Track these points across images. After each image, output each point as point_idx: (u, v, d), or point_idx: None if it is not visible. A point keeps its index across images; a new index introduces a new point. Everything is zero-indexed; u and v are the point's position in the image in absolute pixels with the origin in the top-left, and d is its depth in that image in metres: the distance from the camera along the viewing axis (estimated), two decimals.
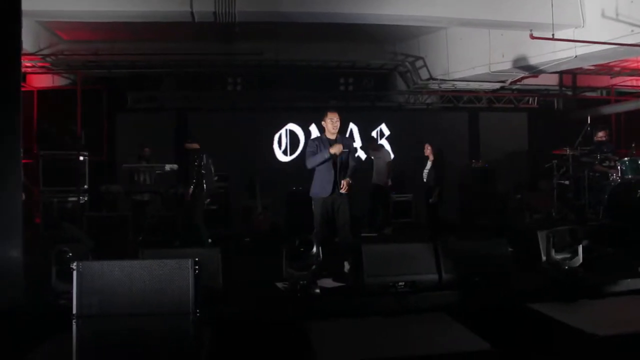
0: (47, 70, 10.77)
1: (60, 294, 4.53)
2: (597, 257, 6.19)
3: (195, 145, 7.85)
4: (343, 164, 6.14)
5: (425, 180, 8.71)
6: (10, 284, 4.22)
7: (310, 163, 6.16)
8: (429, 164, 8.60)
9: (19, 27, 4.50)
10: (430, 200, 8.43)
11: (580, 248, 5.50)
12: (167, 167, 9.21)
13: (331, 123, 6.15)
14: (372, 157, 10.30)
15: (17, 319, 4.16)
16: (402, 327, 4.43)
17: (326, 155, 6.01)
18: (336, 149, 5.99)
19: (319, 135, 6.65)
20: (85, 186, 9.93)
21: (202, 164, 7.83)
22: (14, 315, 4.14)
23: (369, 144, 10.79)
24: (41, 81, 10.94)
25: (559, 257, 5.44)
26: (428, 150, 8.66)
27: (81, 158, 9.77)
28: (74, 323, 3.29)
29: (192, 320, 3.33)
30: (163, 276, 3.37)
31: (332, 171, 6.08)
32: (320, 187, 6.16)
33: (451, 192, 11.48)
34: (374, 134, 12.08)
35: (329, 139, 6.19)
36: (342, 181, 6.05)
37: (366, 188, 9.88)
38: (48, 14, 7.73)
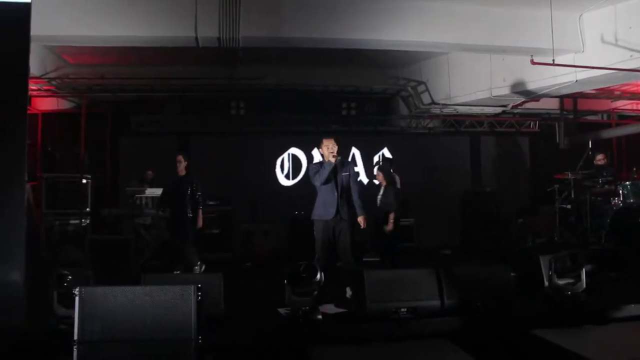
0: (53, 94, 10.86)
1: (61, 318, 4.51)
2: (601, 282, 6.15)
3: (182, 169, 7.82)
4: (345, 188, 6.19)
5: (378, 205, 8.65)
6: (11, 308, 4.21)
7: (317, 179, 6.21)
8: (382, 190, 8.53)
9: (27, 51, 4.56)
10: (386, 228, 8.27)
11: (583, 273, 5.48)
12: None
13: (327, 149, 6.20)
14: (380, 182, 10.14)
15: (18, 343, 4.14)
16: (404, 353, 4.40)
17: (327, 167, 6.12)
18: (331, 157, 6.11)
19: (320, 160, 6.74)
20: (88, 209, 9.96)
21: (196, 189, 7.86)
22: (16, 338, 4.13)
23: (383, 165, 10.54)
24: (46, 104, 11.02)
25: (562, 282, 5.42)
26: (380, 177, 8.63)
27: (84, 181, 9.82)
28: (74, 349, 3.28)
29: (195, 346, 3.32)
30: (166, 302, 3.37)
31: (335, 193, 6.14)
32: (323, 209, 6.20)
33: (453, 216, 11.54)
34: (376, 158, 12.11)
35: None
36: (359, 219, 6.22)
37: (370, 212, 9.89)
38: (55, 38, 7.82)
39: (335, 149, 6.19)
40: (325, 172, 6.12)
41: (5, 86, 4.43)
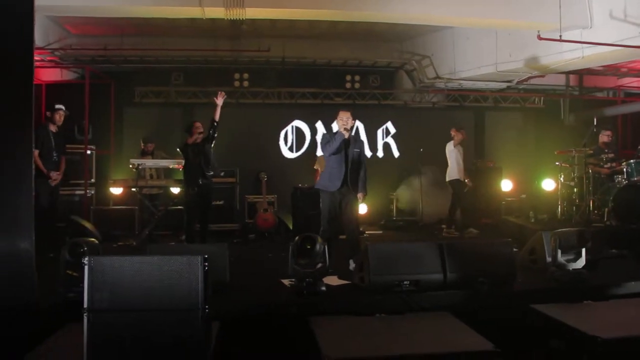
0: (56, 65, 10.82)
1: (70, 287, 4.59)
2: (602, 259, 6.20)
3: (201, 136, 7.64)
4: (354, 162, 6.22)
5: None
6: (22, 277, 4.26)
7: (327, 149, 6.27)
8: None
9: (31, 22, 4.53)
10: None
11: (584, 250, 5.53)
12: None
13: (342, 122, 6.25)
14: (451, 149, 9.92)
15: (27, 312, 4.21)
16: (406, 325, 4.46)
17: (339, 138, 6.14)
18: (344, 130, 6.16)
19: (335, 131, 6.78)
20: (93, 180, 10.02)
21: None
22: (25, 307, 4.20)
23: (458, 131, 10.09)
24: (50, 75, 10.99)
25: (563, 258, 5.47)
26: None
27: (88, 152, 9.86)
28: (85, 317, 3.34)
29: (201, 316, 3.37)
30: (173, 272, 3.41)
31: (343, 167, 6.18)
32: (329, 180, 6.27)
33: None
34: (379, 132, 12.10)
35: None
36: (359, 195, 6.31)
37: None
38: (58, 9, 7.77)
39: (350, 121, 6.23)
40: (336, 144, 6.15)
41: (11, 57, 4.42)
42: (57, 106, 7.36)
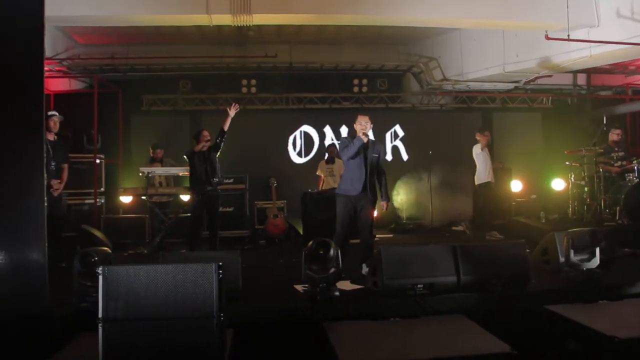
0: (64, 74, 10.88)
1: (83, 297, 4.59)
2: (615, 258, 6.16)
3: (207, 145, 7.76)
4: (373, 166, 6.21)
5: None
6: (34, 287, 4.28)
7: (346, 153, 6.24)
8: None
9: (41, 34, 4.56)
10: None
11: (597, 249, 5.50)
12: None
13: (360, 126, 6.24)
14: (478, 152, 9.63)
15: (41, 322, 4.22)
16: (421, 329, 4.46)
17: (357, 142, 6.13)
18: (362, 134, 6.15)
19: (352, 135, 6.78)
20: (102, 189, 10.05)
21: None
22: (39, 318, 4.21)
23: (482, 134, 9.78)
24: (58, 85, 11.04)
25: (577, 258, 5.44)
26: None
27: (97, 161, 9.89)
28: (99, 327, 3.34)
29: (217, 324, 3.37)
30: (187, 280, 3.42)
31: (363, 170, 6.17)
32: (349, 184, 6.24)
33: (465, 192, 11.52)
34: (388, 135, 12.09)
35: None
36: (382, 203, 6.35)
37: None
38: (66, 19, 7.80)
39: (368, 125, 6.22)
40: (354, 148, 6.14)
41: (22, 68, 4.45)
42: (50, 112, 7.15)
